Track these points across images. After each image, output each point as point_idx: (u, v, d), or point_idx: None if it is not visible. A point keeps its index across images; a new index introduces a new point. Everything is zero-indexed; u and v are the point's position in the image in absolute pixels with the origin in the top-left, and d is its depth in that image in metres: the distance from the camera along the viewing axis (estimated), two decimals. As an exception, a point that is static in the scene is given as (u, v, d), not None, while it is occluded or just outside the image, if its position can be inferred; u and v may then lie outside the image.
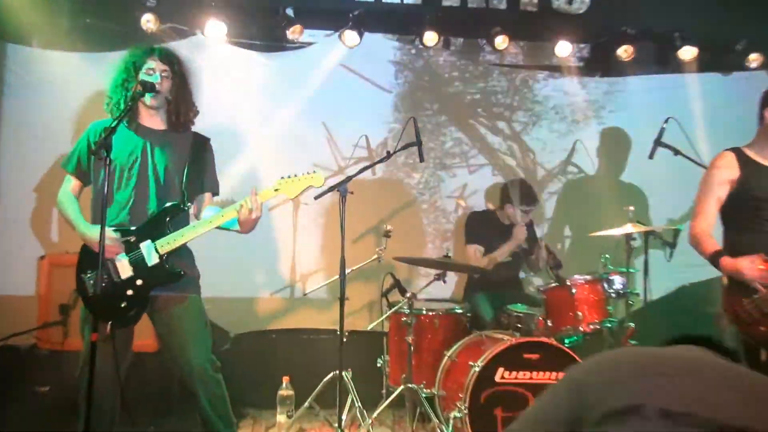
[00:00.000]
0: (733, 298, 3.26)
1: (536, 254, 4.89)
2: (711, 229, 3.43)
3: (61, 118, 5.06)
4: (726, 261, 3.26)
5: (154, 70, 3.26)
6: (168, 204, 3.24)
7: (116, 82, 3.26)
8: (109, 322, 3.06)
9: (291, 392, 4.39)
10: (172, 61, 3.34)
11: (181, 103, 3.35)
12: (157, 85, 3.22)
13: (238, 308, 5.21)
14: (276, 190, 3.32)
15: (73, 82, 5.04)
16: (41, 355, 4.52)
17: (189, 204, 3.30)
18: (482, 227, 5.05)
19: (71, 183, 3.34)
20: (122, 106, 3.16)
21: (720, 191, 3.42)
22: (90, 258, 3.17)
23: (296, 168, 5.01)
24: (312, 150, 5.31)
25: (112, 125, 2.92)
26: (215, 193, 3.53)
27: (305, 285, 5.23)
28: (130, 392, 3.31)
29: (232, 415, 3.39)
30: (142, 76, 3.23)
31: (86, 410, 2.85)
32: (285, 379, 4.41)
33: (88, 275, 3.19)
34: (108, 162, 2.82)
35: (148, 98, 3.24)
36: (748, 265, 3.18)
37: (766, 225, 3.34)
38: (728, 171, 3.41)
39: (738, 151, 3.47)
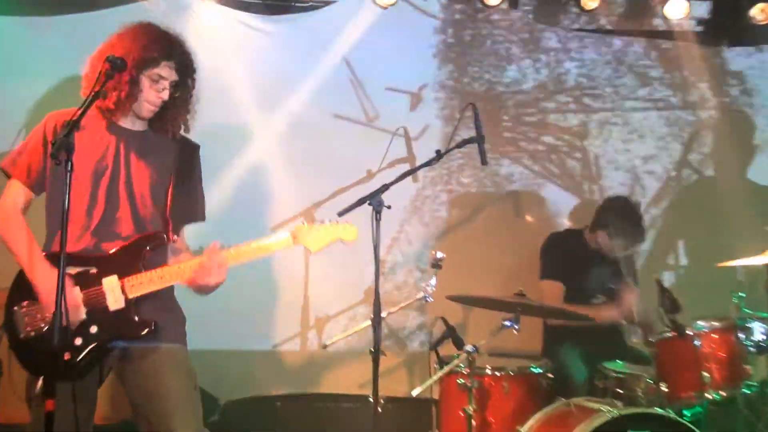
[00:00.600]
0: None
1: (626, 300, 4.89)
2: None
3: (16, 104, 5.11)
4: None
5: (163, 78, 3.28)
6: (149, 231, 3.26)
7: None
8: (41, 378, 3.03)
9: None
10: (189, 71, 3.38)
11: (174, 110, 3.39)
12: (155, 97, 3.26)
13: (230, 365, 5.22)
14: (294, 238, 3.32)
15: (18, 57, 5.12)
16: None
17: (175, 235, 3.31)
18: (564, 256, 5.07)
19: (17, 191, 3.30)
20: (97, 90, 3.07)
21: None
22: (27, 285, 3.15)
23: (310, 173, 5.22)
24: (335, 146, 5.39)
25: (77, 117, 2.86)
26: (201, 219, 3.53)
27: (321, 334, 5.25)
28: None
29: None
30: (146, 81, 3.24)
31: None
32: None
33: (25, 309, 3.17)
34: (69, 168, 2.76)
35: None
36: None
37: None
38: None
39: None
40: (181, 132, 3.47)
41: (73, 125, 2.83)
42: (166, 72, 3.27)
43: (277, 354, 5.41)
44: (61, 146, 2.77)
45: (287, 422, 5.15)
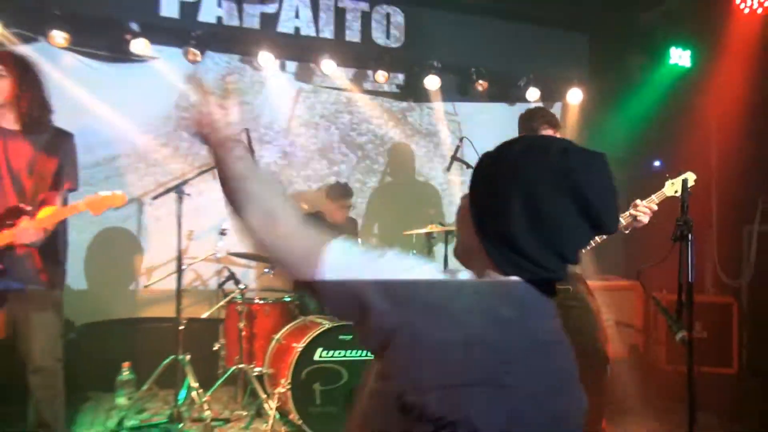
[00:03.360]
0: None
1: None
2: None
3: None
4: None
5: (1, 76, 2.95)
6: (10, 205, 2.98)
7: None
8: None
9: (131, 377, 4.21)
10: (17, 67, 3.01)
11: (32, 101, 3.03)
12: None
13: (85, 299, 4.89)
14: (82, 206, 3.07)
15: None
16: None
17: (29, 207, 2.99)
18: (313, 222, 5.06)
19: None
20: None
21: None
22: None
23: (138, 172, 4.98)
24: (154, 155, 5.12)
25: None
26: (72, 187, 3.18)
27: (149, 278, 4.99)
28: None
29: (63, 406, 3.16)
30: None
31: None
32: (125, 365, 4.22)
33: None
34: None
35: None
36: None
37: None
38: None
39: None
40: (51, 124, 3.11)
41: None
42: None
43: (119, 291, 5.13)
44: None
45: (117, 338, 4.84)
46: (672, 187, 3.19)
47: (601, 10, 5.66)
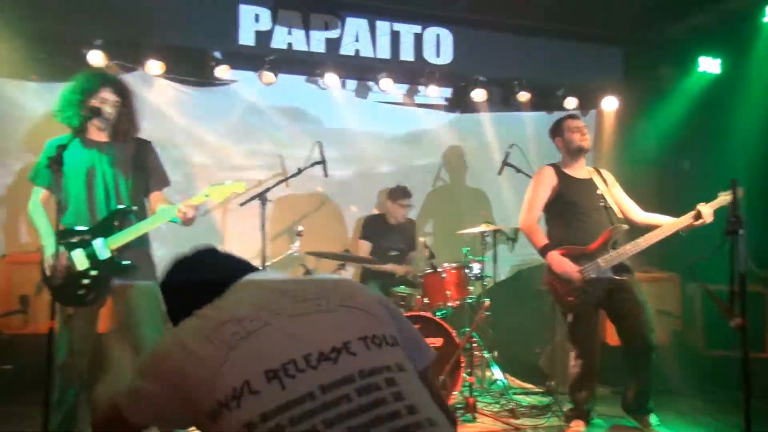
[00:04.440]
0: (549, 278, 3.57)
1: (412, 256, 5.10)
2: (537, 221, 3.68)
3: (21, 138, 4.79)
4: (551, 255, 3.51)
5: (106, 100, 3.09)
6: (115, 207, 3.13)
7: (70, 100, 3.06)
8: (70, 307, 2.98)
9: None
10: (124, 93, 3.18)
11: (126, 122, 3.20)
12: (106, 114, 3.09)
13: None
14: (206, 195, 3.22)
15: (31, 107, 4.78)
16: (3, 339, 4.24)
17: (134, 207, 3.16)
18: (372, 227, 5.15)
19: (39, 194, 3.15)
20: (75, 123, 2.98)
21: (544, 195, 3.67)
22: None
23: (222, 178, 5.04)
24: (237, 167, 5.24)
25: (65, 143, 2.79)
26: (165, 185, 3.33)
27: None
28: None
29: None
30: (93, 101, 3.05)
31: (46, 381, 2.70)
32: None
33: (50, 267, 3.01)
34: (61, 175, 2.75)
35: (98, 121, 3.10)
36: (565, 267, 3.46)
37: (575, 222, 3.60)
38: (550, 179, 3.68)
39: (555, 166, 3.76)
40: (134, 135, 3.26)
41: (62, 149, 2.77)
42: (107, 95, 3.08)
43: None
44: (55, 162, 2.74)
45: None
46: (725, 197, 3.26)
47: (633, 24, 5.58)
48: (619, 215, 3.68)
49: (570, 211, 3.62)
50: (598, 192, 3.65)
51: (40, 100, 4.77)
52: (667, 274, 5.01)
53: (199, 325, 1.24)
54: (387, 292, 4.61)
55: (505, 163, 4.55)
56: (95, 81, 3.10)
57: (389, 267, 4.88)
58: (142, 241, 3.24)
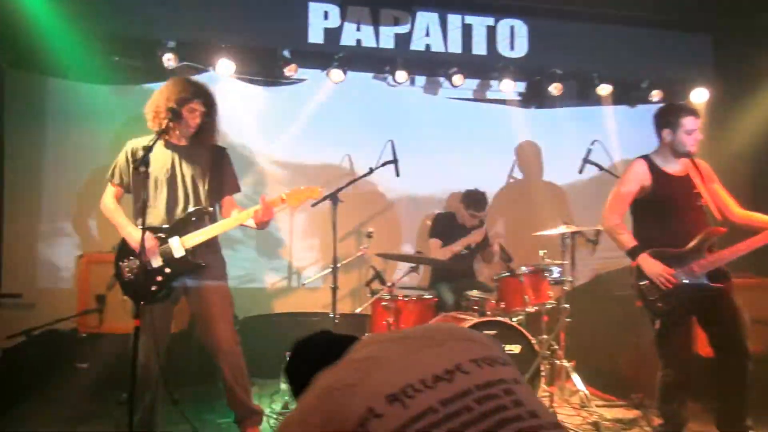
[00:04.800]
0: (637, 282, 3.39)
1: (490, 249, 5.02)
2: (623, 219, 3.48)
3: (93, 139, 4.99)
4: (643, 258, 3.34)
5: (194, 110, 3.23)
6: (192, 207, 3.24)
7: (161, 105, 3.18)
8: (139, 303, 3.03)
9: (293, 365, 4.36)
10: (211, 103, 3.32)
11: (208, 132, 3.34)
12: (193, 124, 3.24)
13: (247, 295, 5.13)
14: (283, 199, 3.30)
15: (104, 110, 4.97)
16: (80, 337, 4.43)
17: (210, 208, 3.27)
18: (443, 225, 5.11)
19: (113, 191, 3.30)
20: (162, 127, 3.11)
21: (633, 192, 3.44)
22: (128, 249, 3.19)
23: (292, 181, 5.16)
24: (304, 166, 5.30)
25: (151, 144, 2.90)
26: (236, 191, 3.47)
27: (300, 276, 5.19)
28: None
29: (249, 381, 3.38)
30: (184, 110, 3.19)
31: (132, 380, 2.82)
32: (287, 354, 4.36)
33: (125, 263, 3.20)
34: (146, 175, 2.82)
35: (183, 128, 3.23)
36: (658, 270, 3.28)
37: (667, 222, 3.41)
38: (641, 177, 3.43)
39: (649, 161, 3.47)
40: (213, 142, 3.40)
41: (148, 150, 2.88)
42: (197, 105, 3.21)
43: (273, 289, 5.37)
44: (141, 162, 2.83)
45: (279, 330, 5.04)
46: None
47: (722, 10, 5.30)
48: (717, 215, 3.47)
49: (662, 210, 3.40)
50: (695, 190, 3.45)
51: (115, 103, 4.96)
52: (762, 279, 4.73)
53: (328, 380, 1.33)
54: (460, 296, 4.56)
55: (587, 160, 4.39)
56: (188, 90, 3.23)
57: (462, 242, 4.84)
58: (215, 243, 3.34)
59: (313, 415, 1.29)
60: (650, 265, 3.30)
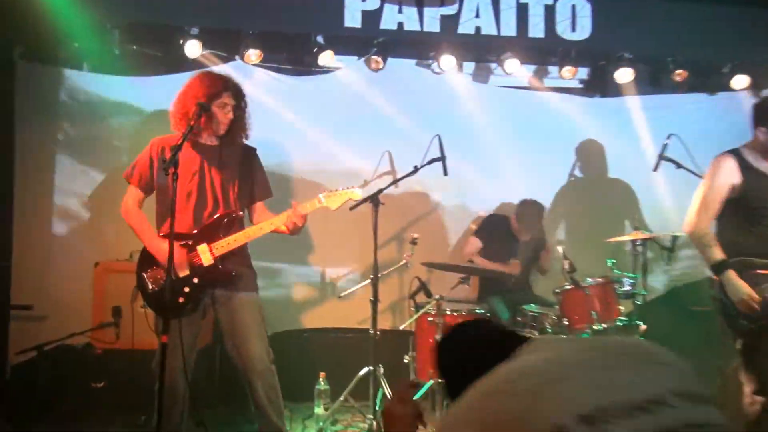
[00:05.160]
0: (720, 296, 3.31)
1: (544, 258, 4.95)
2: (710, 225, 3.39)
3: (111, 136, 5.11)
4: (729, 276, 3.25)
5: (225, 105, 3.29)
6: (222, 211, 3.28)
7: (190, 101, 3.25)
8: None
9: (327, 387, 4.37)
10: (241, 96, 3.40)
11: (238, 128, 3.41)
12: (224, 120, 3.30)
13: (274, 308, 5.09)
14: (320, 201, 3.35)
15: (123, 103, 5.08)
16: (96, 354, 4.50)
17: (240, 212, 3.34)
18: (491, 231, 5.09)
19: (134, 192, 3.36)
20: (190, 125, 3.14)
21: (723, 193, 3.35)
22: (151, 258, 3.26)
23: (328, 180, 5.17)
24: (340, 164, 5.30)
25: (180, 143, 2.93)
26: (269, 196, 3.56)
27: (337, 287, 5.21)
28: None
29: (283, 404, 3.39)
30: (214, 106, 3.25)
31: (159, 402, 2.86)
32: (322, 375, 4.38)
33: (149, 273, 3.27)
34: (176, 177, 2.83)
35: (213, 125, 3.29)
36: (742, 295, 3.19)
37: (759, 228, 3.31)
38: (731, 175, 3.33)
39: (738, 156, 3.37)
40: (243, 141, 3.47)
41: (177, 149, 2.90)
42: (228, 99, 3.27)
43: (305, 301, 5.39)
44: (170, 163, 2.84)
45: (312, 347, 5.12)
46: None
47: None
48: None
49: (753, 213, 3.30)
50: None
51: (132, 96, 5.09)
52: None
53: (496, 382, 1.32)
54: (515, 311, 4.52)
55: (662, 156, 4.30)
56: (217, 84, 3.30)
57: (496, 267, 4.80)
58: (245, 252, 3.40)
59: (485, 422, 1.26)
60: (735, 287, 3.21)
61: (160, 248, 3.17)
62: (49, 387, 4.28)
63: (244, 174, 3.39)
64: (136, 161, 3.37)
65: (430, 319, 4.22)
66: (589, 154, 5.72)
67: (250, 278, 3.39)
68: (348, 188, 3.41)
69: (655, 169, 4.31)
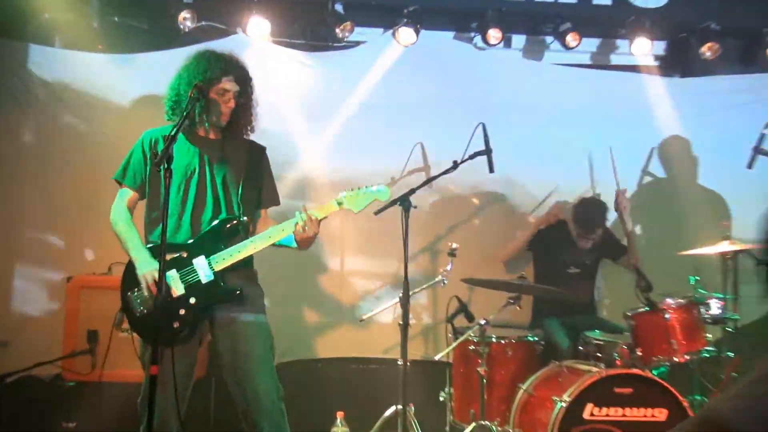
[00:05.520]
0: None
1: (627, 256, 5.01)
2: None
3: (89, 126, 5.12)
4: None
5: (226, 92, 3.28)
6: (223, 216, 3.27)
7: (185, 88, 3.24)
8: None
9: (346, 429, 4.31)
10: (246, 81, 3.38)
11: (243, 118, 3.39)
12: (225, 109, 3.29)
13: (281, 333, 5.10)
14: (339, 203, 3.31)
15: (103, 86, 5.09)
16: (67, 387, 4.49)
17: (245, 218, 3.31)
18: (545, 238, 5.10)
19: (127, 196, 3.35)
20: (186, 115, 3.11)
21: None
22: (136, 274, 3.21)
23: (346, 179, 5.13)
24: (363, 159, 5.29)
25: (172, 133, 2.90)
26: (275, 203, 3.58)
27: (357, 308, 5.18)
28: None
29: None
30: (212, 92, 3.24)
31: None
32: (339, 415, 4.30)
33: (135, 293, 3.22)
34: (169, 174, 2.79)
35: (213, 116, 3.29)
36: None
37: None
38: None
39: None
40: (249, 136, 3.48)
41: (171, 140, 2.85)
42: (229, 85, 3.26)
43: (320, 324, 5.36)
44: (163, 157, 2.79)
45: (328, 381, 5.09)
46: None
47: None
48: None
49: None
50: None
51: (114, 77, 5.09)
52: None
53: None
54: (576, 338, 4.48)
55: (758, 150, 4.26)
56: (217, 66, 3.27)
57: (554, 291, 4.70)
58: (249, 264, 3.38)
59: None
60: None
61: (148, 273, 3.14)
62: (11, 426, 4.28)
63: (250, 175, 3.38)
64: (128, 159, 3.34)
65: (472, 347, 4.19)
66: (672, 154, 5.65)
67: (257, 298, 3.36)
68: (374, 187, 3.35)
69: (750, 165, 4.28)
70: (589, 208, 4.98)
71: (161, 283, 2.80)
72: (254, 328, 3.29)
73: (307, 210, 3.24)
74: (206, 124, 3.33)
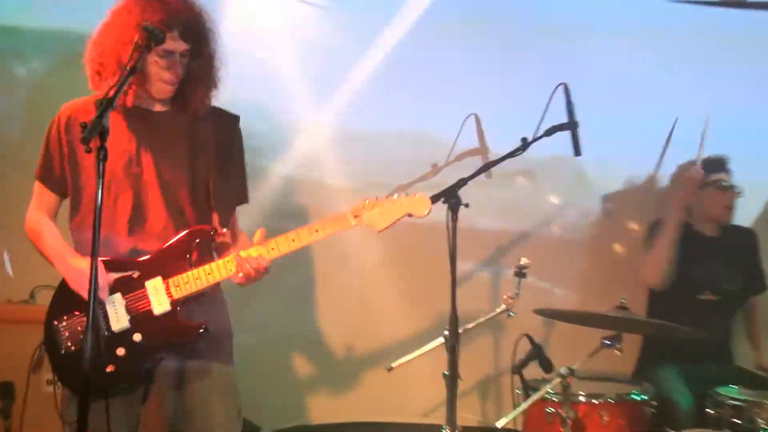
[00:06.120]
0: None
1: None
2: None
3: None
4: None
5: (171, 53, 3.23)
6: (194, 227, 3.30)
7: (109, 49, 3.21)
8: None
9: None
10: (199, 37, 3.33)
11: (198, 83, 3.39)
12: (168, 76, 3.26)
13: (275, 387, 5.17)
14: (356, 217, 3.30)
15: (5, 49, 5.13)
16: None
17: (225, 229, 3.36)
18: None
19: (45, 198, 3.42)
20: (114, 86, 3.00)
21: None
22: (69, 298, 3.23)
23: (367, 170, 5.14)
24: (390, 142, 5.31)
25: (102, 108, 2.76)
26: (243, 200, 3.63)
27: (384, 352, 5.09)
28: None
29: None
30: (153, 59, 3.21)
31: None
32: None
33: (64, 323, 3.25)
34: (103, 156, 2.65)
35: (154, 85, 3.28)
36: None
37: None
38: None
39: None
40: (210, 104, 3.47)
41: (107, 104, 2.74)
42: (172, 44, 3.21)
43: (330, 377, 5.35)
44: (94, 129, 2.64)
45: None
46: None
47: None
48: None
49: None
50: None
51: (17, 19, 5.07)
52: None
53: None
54: (703, 395, 4.38)
55: None
56: (156, 19, 3.18)
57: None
58: (219, 293, 3.46)
59: None
60: None
61: (77, 273, 3.15)
62: None
63: (220, 160, 3.42)
64: (43, 147, 3.39)
65: (551, 409, 4.07)
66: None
67: (224, 340, 3.43)
68: (406, 195, 3.35)
69: None
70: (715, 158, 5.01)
71: (92, 312, 2.64)
72: (217, 385, 3.33)
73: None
74: (144, 95, 3.30)
